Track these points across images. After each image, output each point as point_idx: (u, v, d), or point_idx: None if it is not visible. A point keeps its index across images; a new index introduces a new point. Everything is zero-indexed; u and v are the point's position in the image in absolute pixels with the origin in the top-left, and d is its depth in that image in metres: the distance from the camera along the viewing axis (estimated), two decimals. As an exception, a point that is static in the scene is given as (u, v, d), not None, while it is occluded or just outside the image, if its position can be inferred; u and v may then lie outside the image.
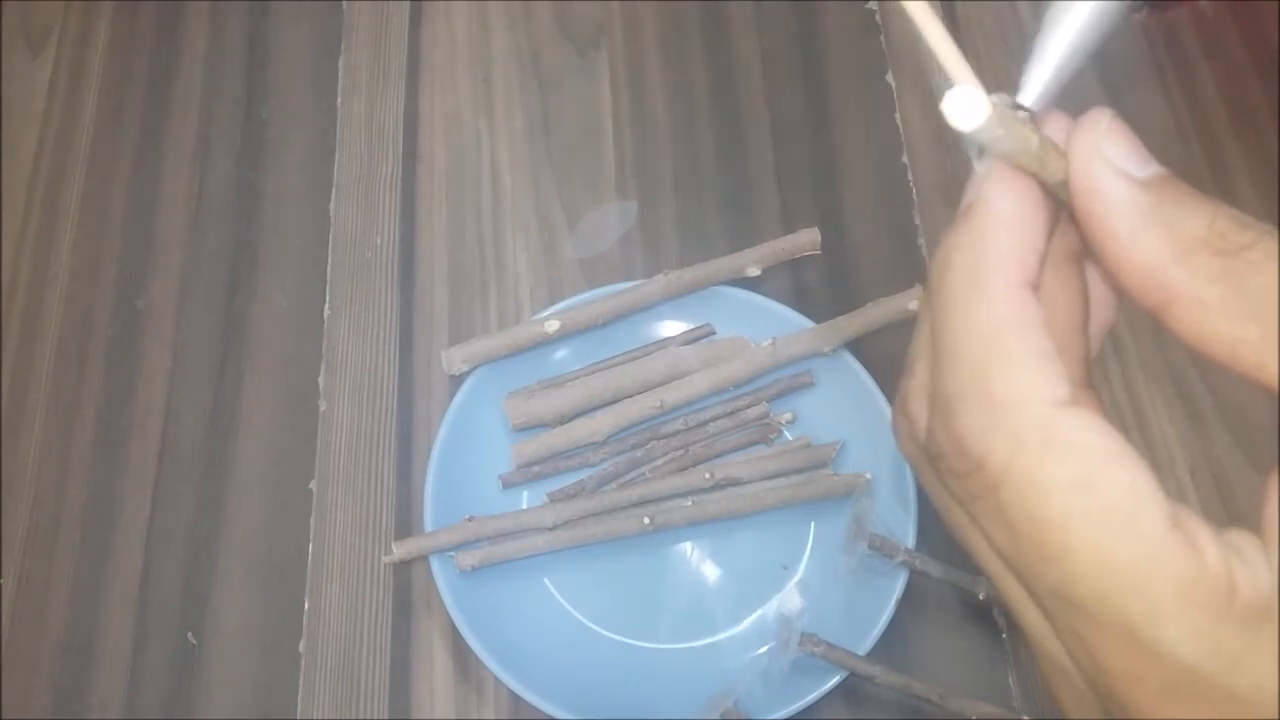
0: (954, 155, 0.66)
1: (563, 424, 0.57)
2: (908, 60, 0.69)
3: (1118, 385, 0.60)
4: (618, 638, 0.54)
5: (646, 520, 0.55)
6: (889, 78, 0.69)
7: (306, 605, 0.56)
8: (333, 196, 0.66)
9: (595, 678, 0.53)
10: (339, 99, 0.69)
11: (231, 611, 0.56)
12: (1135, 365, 0.60)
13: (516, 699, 0.51)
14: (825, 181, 0.66)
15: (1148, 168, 0.22)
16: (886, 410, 0.56)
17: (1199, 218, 0.22)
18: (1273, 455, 0.57)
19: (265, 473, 0.59)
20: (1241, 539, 0.21)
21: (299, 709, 0.54)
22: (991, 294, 0.22)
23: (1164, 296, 0.22)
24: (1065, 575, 0.21)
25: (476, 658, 0.51)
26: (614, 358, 0.59)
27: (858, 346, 0.58)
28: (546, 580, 0.56)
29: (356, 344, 0.62)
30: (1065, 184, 0.23)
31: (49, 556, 0.57)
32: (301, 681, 0.54)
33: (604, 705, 0.51)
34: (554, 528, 0.55)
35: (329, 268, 0.64)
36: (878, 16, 0.71)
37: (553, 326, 0.58)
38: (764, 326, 0.58)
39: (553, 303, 0.60)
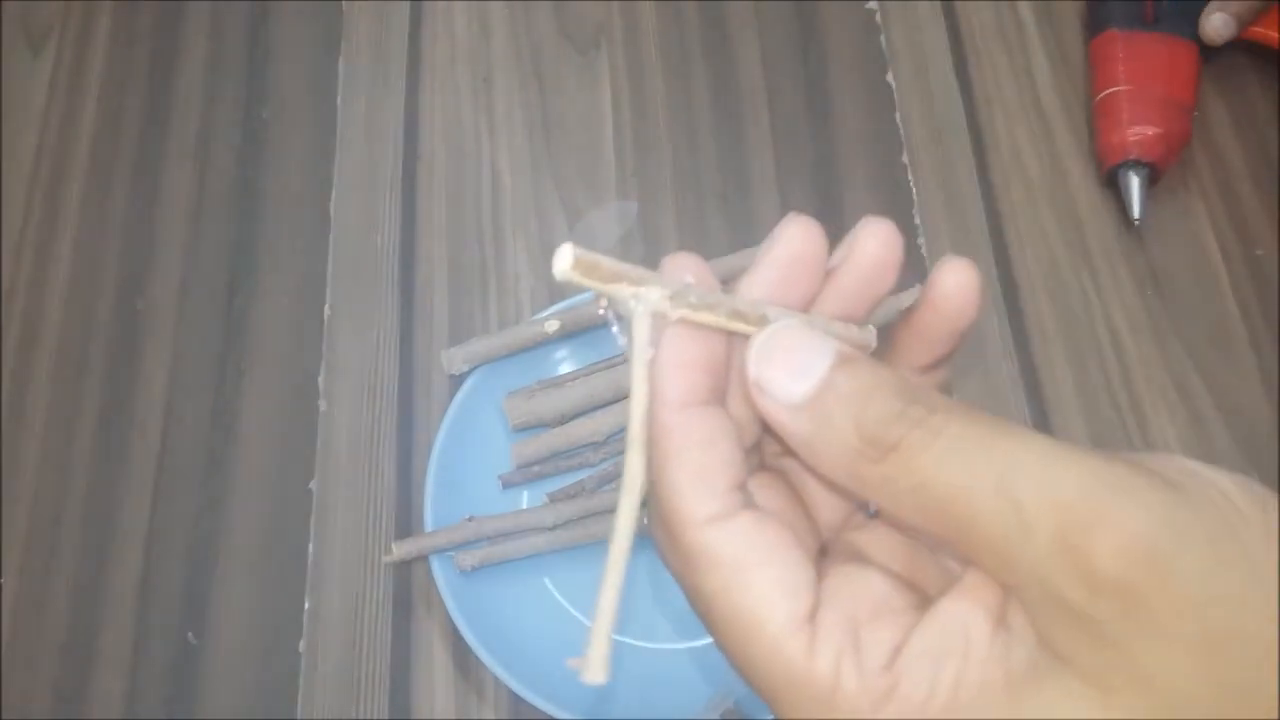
0: (953, 155, 0.66)
1: (563, 424, 0.57)
2: (908, 60, 0.69)
3: (1118, 385, 0.60)
4: (618, 638, 0.54)
5: (646, 520, 0.55)
6: (889, 78, 0.69)
7: (306, 605, 0.56)
8: (333, 196, 0.66)
9: (595, 678, 0.53)
10: (339, 99, 0.69)
11: (231, 611, 0.56)
12: (1135, 365, 0.60)
13: (516, 699, 0.51)
14: (825, 181, 0.66)
15: (806, 377, 0.24)
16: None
17: (850, 426, 0.24)
18: (1272, 455, 0.57)
19: (265, 473, 0.59)
20: (877, 637, 0.24)
21: (299, 709, 0.54)
22: (658, 427, 0.25)
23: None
24: (728, 660, 0.25)
25: (476, 658, 0.51)
26: (614, 358, 0.59)
27: (858, 346, 0.58)
28: (546, 580, 0.56)
29: (356, 344, 0.62)
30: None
31: (49, 556, 0.57)
32: (301, 681, 0.54)
33: (604, 705, 0.51)
34: (554, 528, 0.55)
35: (329, 268, 0.64)
36: (878, 16, 0.71)
37: (553, 326, 0.58)
38: (764, 326, 0.58)
39: (553, 303, 0.60)
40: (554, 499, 0.56)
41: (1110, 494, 0.22)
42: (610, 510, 0.55)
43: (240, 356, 0.62)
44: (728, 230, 0.64)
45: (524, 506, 0.57)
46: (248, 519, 0.58)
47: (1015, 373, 0.60)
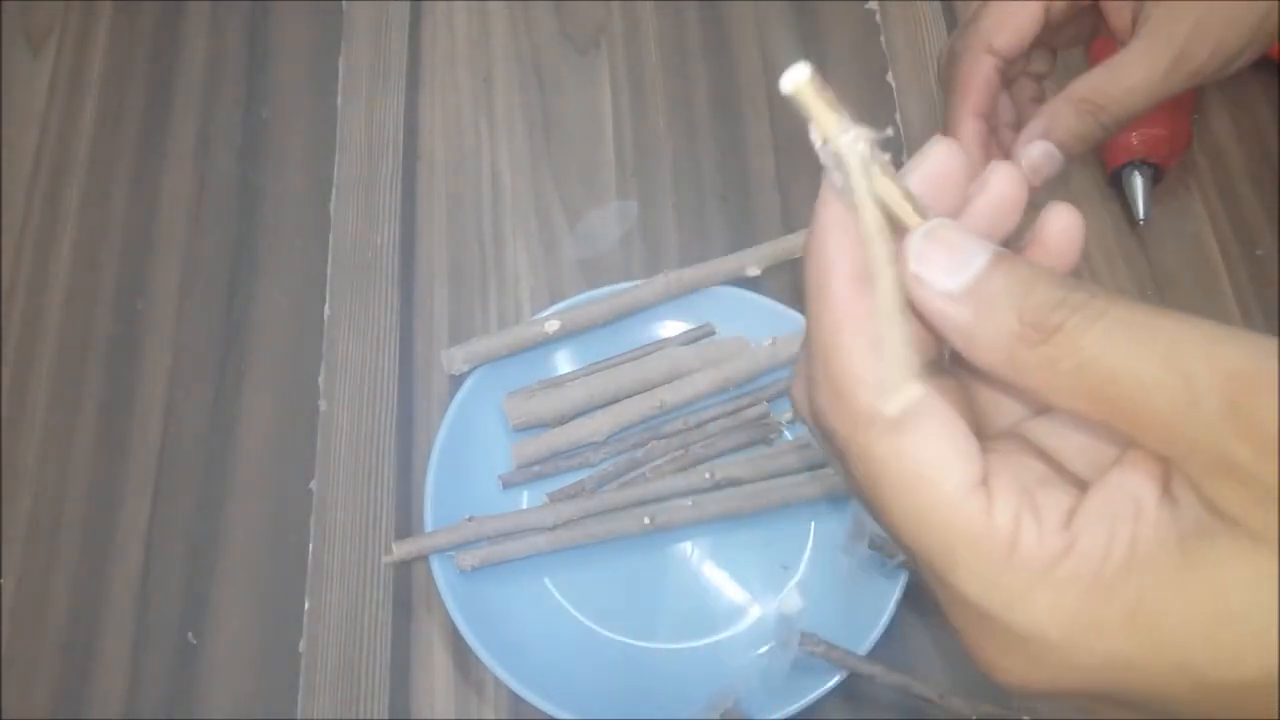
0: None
1: (563, 424, 0.57)
2: (908, 60, 0.69)
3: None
4: (618, 638, 0.54)
5: (647, 520, 0.55)
6: (889, 78, 0.69)
7: (306, 605, 0.56)
8: (333, 196, 0.66)
9: (595, 678, 0.53)
10: (339, 99, 0.69)
11: (231, 611, 0.56)
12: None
13: (516, 699, 0.51)
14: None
15: (964, 271, 0.25)
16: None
17: (1011, 313, 0.25)
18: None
19: (265, 473, 0.59)
20: (1052, 500, 0.24)
21: (299, 709, 0.54)
22: (830, 296, 0.26)
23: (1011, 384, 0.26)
24: (891, 528, 0.26)
25: (476, 658, 0.51)
26: (614, 358, 0.59)
27: (858, 346, 0.58)
28: (546, 580, 0.56)
29: (356, 344, 0.62)
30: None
31: (49, 556, 0.57)
32: (301, 681, 0.54)
33: (604, 705, 0.51)
34: (554, 528, 0.55)
35: (329, 268, 0.64)
36: (877, 16, 0.71)
37: (553, 326, 0.58)
38: (764, 326, 0.58)
39: (553, 303, 0.60)
40: (554, 499, 0.56)
41: (1276, 362, 0.23)
42: (610, 510, 0.55)
43: (240, 356, 0.62)
44: (728, 230, 0.64)
45: (524, 506, 0.57)
46: (248, 519, 0.58)
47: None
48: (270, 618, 0.56)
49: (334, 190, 0.66)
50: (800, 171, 0.66)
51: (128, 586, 0.56)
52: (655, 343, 0.59)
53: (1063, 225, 0.28)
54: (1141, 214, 0.62)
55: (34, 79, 0.70)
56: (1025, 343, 0.24)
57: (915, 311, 0.26)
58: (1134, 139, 0.61)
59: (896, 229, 0.26)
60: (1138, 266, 0.63)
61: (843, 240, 0.26)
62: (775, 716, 0.50)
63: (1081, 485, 0.25)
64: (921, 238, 0.26)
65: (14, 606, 0.56)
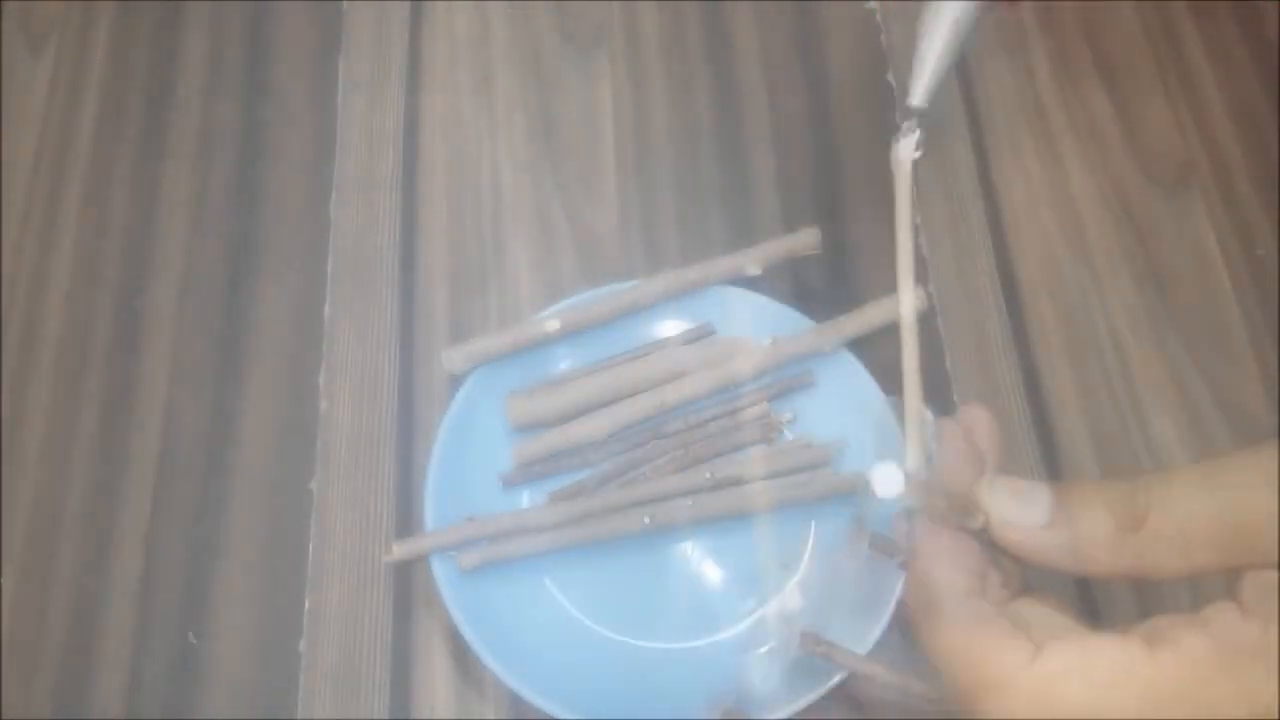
0: (954, 154, 0.66)
1: (563, 424, 0.57)
2: (908, 60, 0.69)
3: (1118, 385, 0.60)
4: (618, 637, 0.54)
5: (647, 520, 0.55)
6: (889, 77, 0.69)
7: (306, 605, 0.56)
8: (333, 196, 0.66)
9: (596, 677, 0.53)
10: (339, 99, 0.69)
11: (231, 611, 0.56)
12: (1136, 365, 0.60)
13: (517, 699, 0.51)
14: (825, 181, 0.66)
15: (1039, 503, 0.31)
16: (888, 410, 0.56)
17: (1102, 512, 0.30)
18: (1273, 455, 0.57)
19: (265, 473, 0.59)
20: None
21: (299, 709, 0.54)
22: (951, 616, 0.32)
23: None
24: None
25: (476, 657, 0.51)
26: (614, 358, 0.59)
27: (858, 346, 0.58)
28: (547, 580, 0.56)
29: (356, 344, 0.62)
30: (982, 529, 0.32)
31: (49, 556, 0.57)
32: (301, 681, 0.54)
33: (604, 705, 0.51)
34: (554, 527, 0.55)
35: (329, 268, 0.64)
36: (878, 16, 0.71)
37: (553, 326, 0.58)
38: (764, 326, 0.58)
39: (553, 302, 0.60)
40: (554, 499, 0.56)
41: None
42: (611, 510, 0.55)
43: (240, 356, 0.62)
44: (728, 230, 0.64)
45: (524, 506, 0.57)
46: (248, 519, 0.58)
47: (1016, 372, 0.60)
48: (270, 618, 0.56)
49: (334, 190, 0.66)
50: (800, 171, 0.66)
51: (128, 586, 0.56)
52: (655, 342, 0.59)
53: (984, 422, 0.35)
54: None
55: (34, 78, 0.70)
56: (1129, 529, 0.29)
57: (1015, 554, 0.32)
58: None
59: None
60: (1137, 265, 0.63)
61: (950, 567, 0.33)
62: (775, 716, 0.50)
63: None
64: (990, 496, 0.31)
65: (14, 606, 0.56)
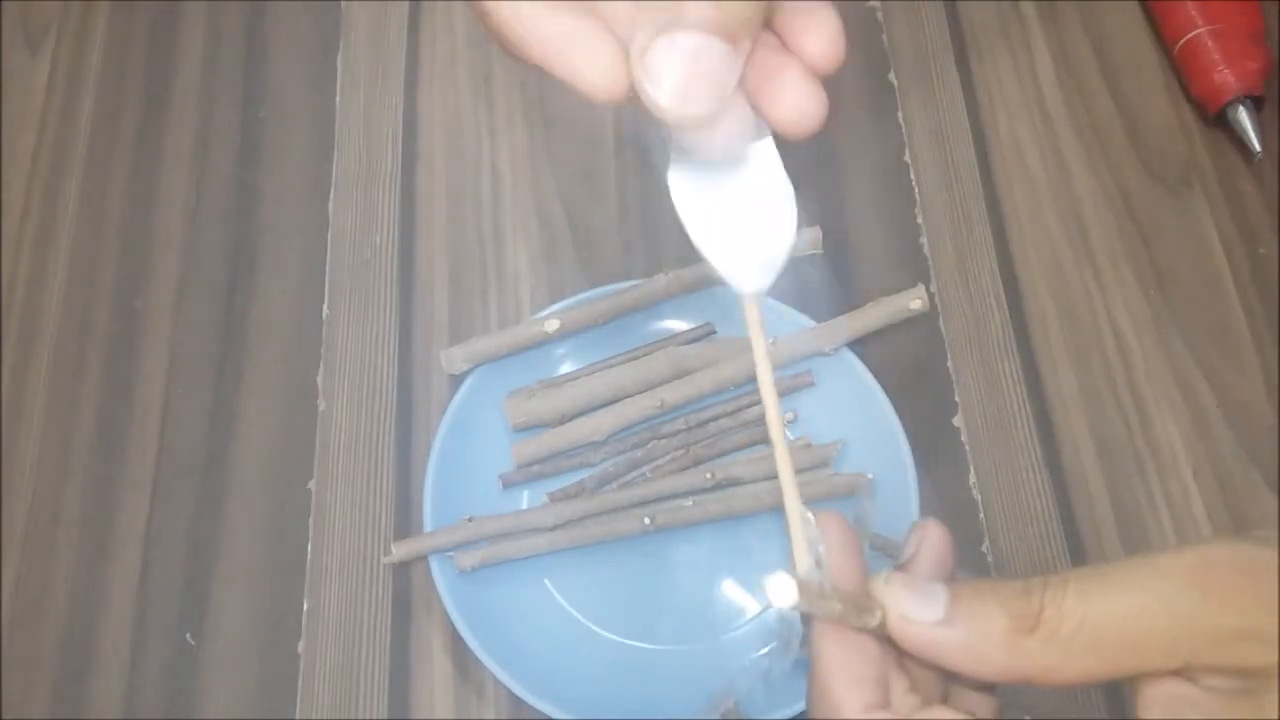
0: (956, 154, 0.66)
1: (563, 424, 0.57)
2: (910, 59, 0.69)
3: (1121, 384, 0.60)
4: (618, 638, 0.54)
5: (647, 520, 0.55)
6: (891, 77, 0.69)
7: (306, 605, 0.56)
8: (332, 196, 0.66)
9: (595, 678, 0.53)
10: (338, 99, 0.69)
11: (231, 611, 0.56)
12: (1138, 364, 0.60)
13: (516, 699, 0.51)
14: (825, 181, 0.66)
15: (936, 600, 0.30)
16: (888, 410, 0.56)
17: (998, 611, 0.29)
18: (1274, 454, 0.57)
19: (265, 473, 0.59)
20: None
21: (298, 709, 0.53)
22: (821, 650, 0.31)
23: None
24: None
25: (476, 658, 0.51)
26: (614, 358, 0.59)
27: (858, 346, 0.58)
28: (546, 580, 0.55)
29: (356, 344, 0.62)
30: (880, 625, 0.31)
31: (48, 557, 0.57)
32: (301, 681, 0.54)
33: (604, 706, 0.51)
34: (554, 528, 0.54)
35: (328, 268, 0.64)
36: (879, 16, 0.70)
37: (553, 326, 0.58)
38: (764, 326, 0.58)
39: (553, 302, 0.60)
40: (554, 499, 0.56)
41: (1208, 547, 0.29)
42: (611, 510, 0.55)
43: (239, 356, 0.62)
44: (728, 229, 0.64)
45: (524, 506, 0.57)
46: (247, 519, 0.58)
47: (1018, 371, 0.60)
48: (269, 618, 0.55)
49: (333, 189, 0.66)
50: (801, 171, 0.66)
51: (127, 586, 0.56)
52: (656, 342, 0.59)
53: (934, 540, 0.33)
54: (1258, 146, 0.63)
55: (32, 77, 0.70)
56: (1023, 631, 0.28)
57: (914, 654, 0.30)
58: (1231, 75, 0.63)
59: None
60: (1139, 264, 0.63)
61: (846, 677, 0.31)
62: (776, 717, 0.50)
63: None
64: (886, 592, 0.30)
65: (13, 606, 0.56)
